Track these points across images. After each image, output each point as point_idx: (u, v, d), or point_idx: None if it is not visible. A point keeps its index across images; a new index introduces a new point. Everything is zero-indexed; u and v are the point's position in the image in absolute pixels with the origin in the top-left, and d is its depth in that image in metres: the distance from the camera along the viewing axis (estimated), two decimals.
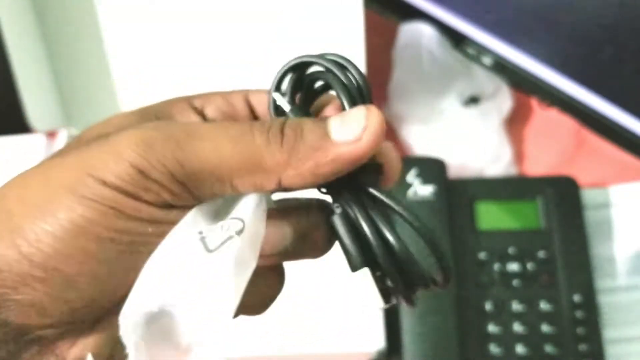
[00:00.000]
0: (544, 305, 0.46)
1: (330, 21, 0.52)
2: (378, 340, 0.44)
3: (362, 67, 0.52)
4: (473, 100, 0.58)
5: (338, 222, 0.20)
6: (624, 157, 0.55)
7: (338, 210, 0.20)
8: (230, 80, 0.54)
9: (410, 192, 0.47)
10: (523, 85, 0.55)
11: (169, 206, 0.18)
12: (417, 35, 0.59)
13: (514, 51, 0.53)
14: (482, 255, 0.47)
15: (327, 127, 0.19)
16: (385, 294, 0.20)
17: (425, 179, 0.48)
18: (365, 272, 0.20)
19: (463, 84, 0.58)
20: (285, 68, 0.22)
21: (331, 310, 0.50)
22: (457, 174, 0.54)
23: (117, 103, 0.56)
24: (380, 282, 0.20)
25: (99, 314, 0.18)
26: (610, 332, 0.47)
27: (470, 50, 0.56)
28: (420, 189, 0.47)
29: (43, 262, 0.17)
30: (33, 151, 0.57)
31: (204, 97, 0.22)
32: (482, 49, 0.55)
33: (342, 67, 0.21)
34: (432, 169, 0.49)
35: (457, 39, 0.56)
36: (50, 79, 0.55)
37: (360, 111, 0.20)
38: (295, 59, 0.22)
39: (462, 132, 0.56)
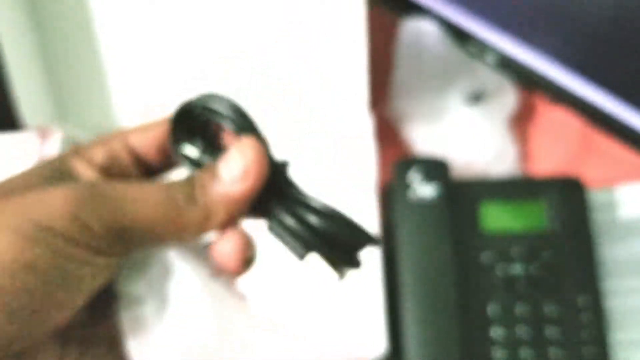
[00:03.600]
0: (548, 308, 0.45)
1: (331, 19, 0.52)
2: (380, 344, 0.44)
3: (364, 65, 0.52)
4: (476, 98, 0.58)
5: (273, 232, 0.24)
6: (631, 156, 0.54)
7: (268, 225, 0.24)
8: (226, 77, 0.54)
9: (412, 193, 0.47)
10: (528, 83, 0.55)
11: (103, 253, 0.21)
12: (419, 32, 0.58)
13: (518, 48, 0.52)
14: (485, 257, 0.47)
15: (220, 174, 0.22)
16: (337, 268, 0.24)
17: (429, 179, 0.48)
18: (313, 259, 0.23)
19: (466, 82, 0.58)
20: (173, 121, 0.24)
21: (333, 315, 0.50)
22: (460, 173, 0.54)
23: (111, 100, 0.56)
24: (328, 260, 0.23)
25: (19, 348, 0.20)
26: (616, 335, 0.47)
27: (474, 48, 0.56)
28: (423, 190, 0.47)
29: None
30: (26, 148, 0.57)
31: (89, 150, 0.24)
32: (486, 46, 0.55)
33: (217, 101, 0.24)
34: (435, 169, 0.48)
35: (460, 36, 0.56)
36: (43, 75, 0.55)
37: (237, 150, 0.23)
38: (175, 111, 0.25)
39: (465, 131, 0.55)
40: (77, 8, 0.52)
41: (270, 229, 0.23)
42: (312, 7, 0.52)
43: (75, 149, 0.24)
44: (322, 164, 0.57)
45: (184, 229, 0.22)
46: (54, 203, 0.20)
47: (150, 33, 0.53)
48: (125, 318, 0.23)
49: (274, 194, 0.24)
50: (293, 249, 0.23)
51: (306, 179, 0.46)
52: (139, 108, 0.56)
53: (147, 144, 0.24)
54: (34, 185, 0.22)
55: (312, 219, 0.23)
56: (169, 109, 0.25)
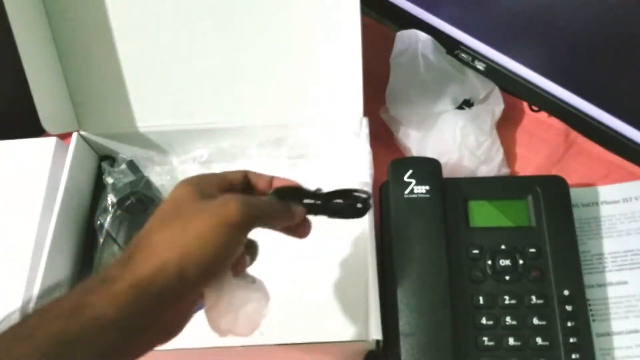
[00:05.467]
0: (534, 300, 0.46)
1: (328, 28, 0.53)
2: (375, 331, 0.45)
3: (360, 72, 0.54)
4: (467, 103, 0.59)
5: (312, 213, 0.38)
6: (611, 158, 0.56)
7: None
8: (227, 79, 0.56)
9: (407, 191, 0.49)
10: (514, 89, 0.56)
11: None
12: (412, 41, 0.60)
13: (505, 57, 0.54)
14: (474, 251, 0.48)
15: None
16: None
17: (421, 178, 0.49)
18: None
19: (457, 88, 0.59)
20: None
21: (328, 302, 0.51)
22: (451, 174, 0.55)
23: (129, 107, 0.57)
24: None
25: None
26: (598, 327, 0.48)
27: (464, 56, 0.57)
28: (417, 188, 0.49)
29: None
30: (44, 153, 0.58)
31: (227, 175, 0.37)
32: (475, 55, 0.56)
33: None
34: (428, 169, 0.50)
35: (451, 45, 0.57)
36: (62, 83, 0.56)
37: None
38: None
39: (456, 134, 0.57)
40: (95, 19, 0.54)
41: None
42: (310, 17, 0.53)
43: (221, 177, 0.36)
44: (322, 165, 0.59)
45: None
46: (229, 212, 0.31)
47: (167, 41, 0.55)
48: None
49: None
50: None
51: (307, 179, 0.49)
52: (156, 113, 0.58)
53: (234, 178, 0.36)
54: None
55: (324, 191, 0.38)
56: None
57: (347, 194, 0.38)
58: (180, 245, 0.29)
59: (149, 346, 0.30)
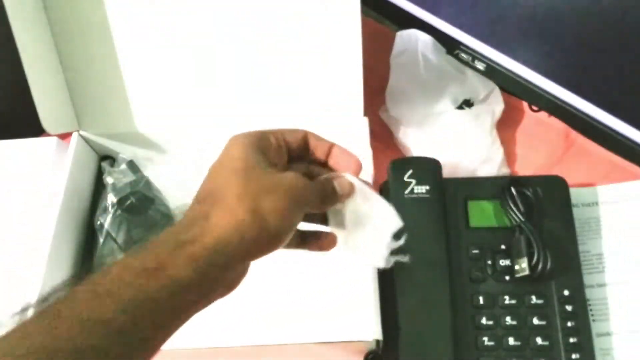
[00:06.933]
0: (534, 299, 0.47)
1: (328, 29, 0.53)
2: (375, 331, 0.45)
3: (360, 72, 0.54)
4: (467, 103, 0.60)
5: None
6: (611, 157, 0.56)
7: None
8: (229, 81, 0.56)
9: (407, 191, 0.49)
10: (514, 89, 0.56)
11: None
12: (412, 41, 0.60)
13: (505, 57, 0.54)
14: (474, 251, 0.48)
15: None
16: None
17: (421, 178, 0.49)
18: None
19: (457, 88, 0.59)
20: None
21: (329, 302, 0.51)
22: (451, 174, 0.55)
23: (129, 107, 0.57)
24: None
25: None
26: (598, 327, 0.48)
27: (464, 56, 0.57)
28: (417, 188, 0.49)
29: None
30: (44, 153, 0.59)
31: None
32: (475, 55, 0.56)
33: None
34: (428, 169, 0.50)
35: (451, 45, 0.57)
36: (62, 83, 0.56)
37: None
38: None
39: (456, 134, 0.57)
40: (95, 19, 0.54)
41: None
42: (310, 17, 0.53)
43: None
44: None
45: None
46: (306, 194, 0.33)
47: (167, 41, 0.55)
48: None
49: None
50: None
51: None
52: (155, 113, 0.58)
53: (293, 140, 0.35)
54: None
55: None
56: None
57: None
58: (259, 213, 0.30)
59: (210, 302, 0.31)
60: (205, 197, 0.31)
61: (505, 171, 0.57)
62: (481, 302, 0.47)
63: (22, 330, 0.25)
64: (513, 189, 0.50)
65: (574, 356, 0.45)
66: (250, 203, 0.30)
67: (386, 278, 0.48)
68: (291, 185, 0.32)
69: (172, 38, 0.55)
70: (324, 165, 0.37)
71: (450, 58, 0.59)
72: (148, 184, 0.58)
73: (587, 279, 0.50)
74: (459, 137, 0.57)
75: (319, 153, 0.36)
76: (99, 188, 0.59)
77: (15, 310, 0.28)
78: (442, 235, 0.47)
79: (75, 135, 0.57)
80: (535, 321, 0.46)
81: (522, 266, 0.46)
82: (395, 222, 0.37)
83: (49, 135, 0.57)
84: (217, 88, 0.56)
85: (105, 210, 0.56)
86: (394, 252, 0.36)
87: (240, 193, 0.31)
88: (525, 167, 0.58)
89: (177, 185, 0.60)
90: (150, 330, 0.28)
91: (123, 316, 0.26)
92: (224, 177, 0.32)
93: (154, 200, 0.57)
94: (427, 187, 0.49)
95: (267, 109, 0.57)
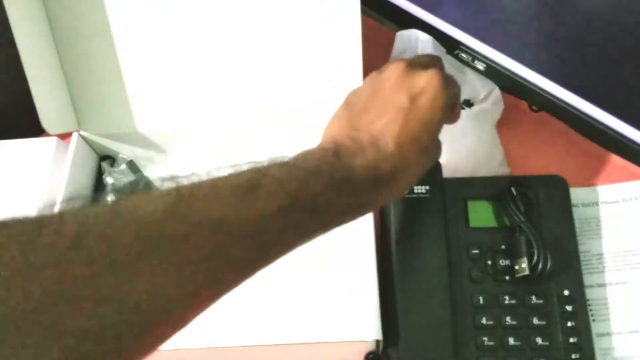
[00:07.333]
0: (534, 300, 0.47)
1: (328, 28, 0.53)
2: (375, 331, 0.45)
3: (360, 73, 0.54)
4: (467, 103, 0.59)
5: None
6: (611, 158, 0.56)
7: None
8: (230, 82, 0.56)
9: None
10: (514, 89, 0.56)
11: None
12: (412, 41, 0.60)
13: (505, 57, 0.54)
14: (474, 251, 0.48)
15: None
16: None
17: (421, 178, 0.48)
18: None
19: None
20: None
21: (329, 302, 0.51)
22: (451, 174, 0.54)
23: (129, 107, 0.57)
24: None
25: None
26: (598, 327, 0.49)
27: (464, 56, 0.57)
28: (417, 188, 0.49)
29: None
30: (44, 153, 0.58)
31: None
32: (475, 55, 0.56)
33: None
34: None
35: (451, 45, 0.57)
36: (62, 83, 0.56)
37: None
38: None
39: (456, 134, 0.57)
40: (95, 19, 0.54)
41: None
42: (310, 17, 0.53)
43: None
44: None
45: None
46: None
47: (167, 40, 0.55)
48: None
49: None
50: None
51: None
52: (155, 113, 0.58)
53: None
54: None
55: None
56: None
57: None
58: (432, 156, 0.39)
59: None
60: (395, 161, 0.34)
61: (505, 171, 0.57)
62: (481, 302, 0.47)
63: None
64: (513, 189, 0.50)
65: (574, 356, 0.45)
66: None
67: (386, 278, 0.48)
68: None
69: (172, 38, 0.55)
70: None
71: (450, 58, 0.59)
72: (148, 184, 0.58)
73: (587, 279, 0.50)
74: (459, 137, 0.57)
75: None
76: (99, 188, 0.59)
77: None
78: (442, 235, 0.47)
79: (75, 135, 0.57)
80: (535, 321, 0.46)
81: (522, 266, 0.46)
82: None
83: (49, 135, 0.57)
84: (217, 88, 0.56)
85: None
86: None
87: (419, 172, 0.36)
88: (525, 167, 0.58)
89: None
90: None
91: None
92: (420, 150, 0.35)
93: None
94: (427, 187, 0.49)
95: (267, 109, 0.57)
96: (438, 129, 0.37)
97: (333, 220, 0.32)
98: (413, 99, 0.35)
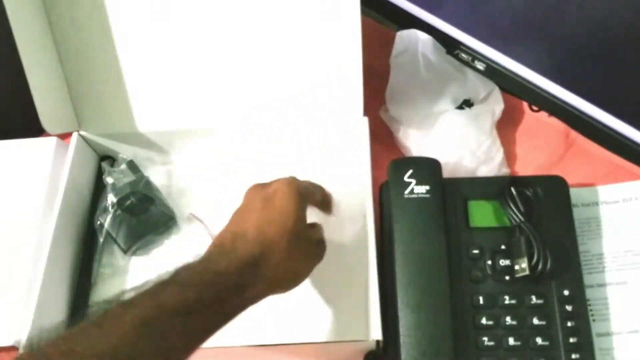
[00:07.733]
0: (534, 300, 0.47)
1: (328, 28, 0.53)
2: (375, 331, 0.45)
3: (360, 72, 0.54)
4: (467, 103, 0.60)
5: None
6: (611, 158, 0.56)
7: None
8: (230, 82, 0.56)
9: (407, 191, 0.49)
10: (514, 89, 0.56)
11: None
12: (412, 41, 0.60)
13: (505, 57, 0.54)
14: (474, 251, 0.48)
15: None
16: None
17: (421, 178, 0.49)
18: None
19: (457, 88, 0.59)
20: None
21: (330, 302, 0.51)
22: (451, 174, 0.55)
23: (129, 107, 0.57)
24: None
25: None
26: (598, 327, 0.49)
27: (464, 56, 0.57)
28: (417, 188, 0.49)
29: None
30: (44, 153, 0.59)
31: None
32: (475, 55, 0.56)
33: None
34: (428, 169, 0.50)
35: (451, 45, 0.57)
36: (62, 83, 0.56)
37: None
38: None
39: (456, 134, 0.57)
40: (95, 19, 0.54)
41: None
42: (310, 17, 0.53)
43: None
44: (322, 165, 0.59)
45: None
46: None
47: (167, 41, 0.55)
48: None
49: None
50: None
51: (306, 178, 0.49)
52: (155, 113, 0.58)
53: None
54: None
55: None
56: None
57: None
58: (299, 276, 0.45)
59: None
60: (255, 243, 0.40)
61: (505, 171, 0.57)
62: (481, 302, 0.47)
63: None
64: (513, 189, 0.50)
65: (574, 356, 0.45)
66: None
67: (386, 278, 0.48)
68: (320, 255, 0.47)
69: (172, 38, 0.55)
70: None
71: (450, 58, 0.59)
72: (148, 184, 0.58)
73: (587, 279, 0.50)
74: (459, 137, 0.57)
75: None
76: (99, 188, 0.59)
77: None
78: (442, 235, 0.47)
79: (75, 135, 0.57)
80: (535, 321, 0.46)
81: (522, 266, 0.46)
82: None
83: (49, 135, 0.57)
84: (216, 88, 0.57)
85: (105, 210, 0.56)
86: None
87: (287, 257, 0.41)
88: (525, 167, 0.58)
89: (177, 185, 0.60)
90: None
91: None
92: (276, 233, 0.41)
93: (154, 200, 0.57)
94: (427, 187, 0.49)
95: (267, 110, 0.57)
96: (300, 216, 0.43)
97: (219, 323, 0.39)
98: (266, 200, 0.43)
